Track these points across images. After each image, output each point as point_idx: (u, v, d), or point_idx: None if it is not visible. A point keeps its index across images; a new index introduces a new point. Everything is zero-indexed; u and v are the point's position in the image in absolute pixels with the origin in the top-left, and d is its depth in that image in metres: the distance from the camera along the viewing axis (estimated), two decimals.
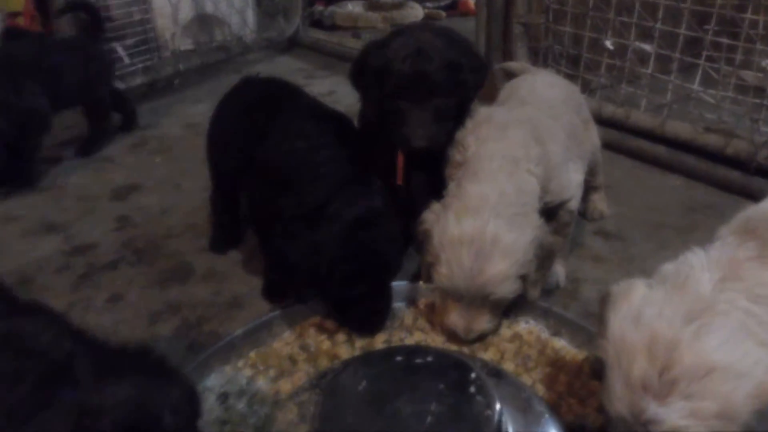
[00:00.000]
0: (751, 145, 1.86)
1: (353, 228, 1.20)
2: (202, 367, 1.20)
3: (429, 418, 0.93)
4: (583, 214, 1.77)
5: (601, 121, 2.04)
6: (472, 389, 0.99)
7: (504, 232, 1.17)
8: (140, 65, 2.64)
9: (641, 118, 2.15)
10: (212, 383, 1.18)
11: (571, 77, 2.12)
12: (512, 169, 1.23)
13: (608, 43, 2.17)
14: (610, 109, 2.20)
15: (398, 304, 1.38)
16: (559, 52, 2.35)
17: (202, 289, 1.54)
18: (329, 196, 1.23)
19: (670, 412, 0.84)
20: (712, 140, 1.96)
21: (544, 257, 1.26)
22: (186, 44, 2.80)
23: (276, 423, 1.07)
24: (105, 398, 0.70)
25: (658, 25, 2.05)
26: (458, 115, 1.36)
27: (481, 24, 2.41)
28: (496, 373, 1.15)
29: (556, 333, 1.31)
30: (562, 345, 1.28)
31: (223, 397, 1.15)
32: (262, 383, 1.18)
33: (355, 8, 4.33)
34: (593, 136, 1.66)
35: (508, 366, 1.22)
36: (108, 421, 0.69)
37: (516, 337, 1.30)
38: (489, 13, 2.39)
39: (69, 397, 0.69)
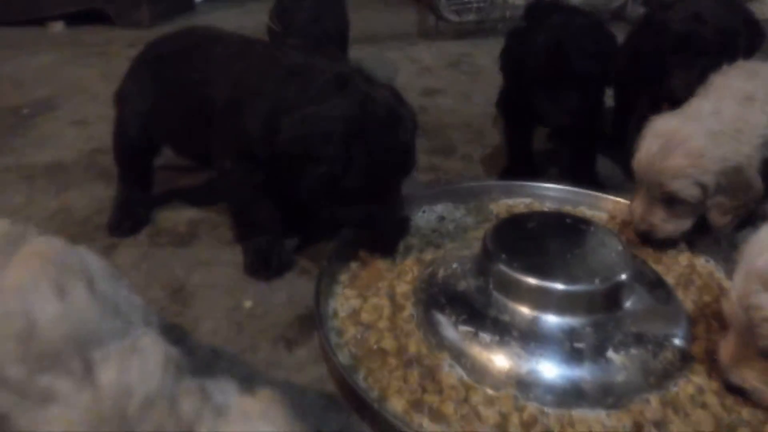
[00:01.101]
0: None
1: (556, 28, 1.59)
2: (435, 197, 1.65)
3: (569, 256, 1.22)
4: None
5: None
6: (614, 255, 1.23)
7: (698, 137, 1.29)
8: (475, 5, 3.16)
9: None
10: (438, 209, 1.62)
11: None
12: (743, 101, 1.33)
13: None
14: None
15: (599, 213, 1.63)
16: None
17: (457, 164, 1.99)
18: None
19: None
20: None
21: (739, 187, 1.31)
22: None
23: (464, 237, 1.47)
24: (377, 93, 1.24)
25: None
26: None
27: None
28: (657, 281, 1.31)
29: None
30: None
31: (441, 218, 1.59)
32: (470, 220, 1.58)
33: None
34: None
35: (668, 279, 1.39)
36: (381, 106, 1.24)
37: (690, 265, 1.43)
38: None
39: (356, 89, 1.23)
